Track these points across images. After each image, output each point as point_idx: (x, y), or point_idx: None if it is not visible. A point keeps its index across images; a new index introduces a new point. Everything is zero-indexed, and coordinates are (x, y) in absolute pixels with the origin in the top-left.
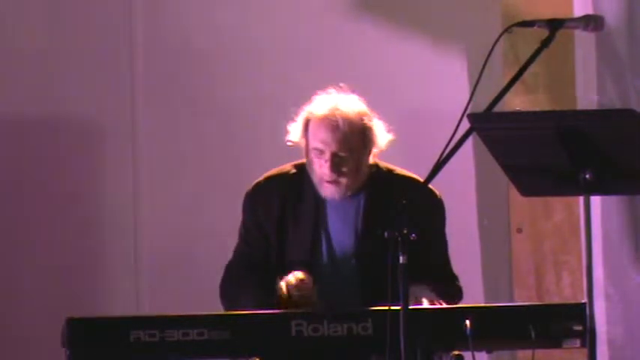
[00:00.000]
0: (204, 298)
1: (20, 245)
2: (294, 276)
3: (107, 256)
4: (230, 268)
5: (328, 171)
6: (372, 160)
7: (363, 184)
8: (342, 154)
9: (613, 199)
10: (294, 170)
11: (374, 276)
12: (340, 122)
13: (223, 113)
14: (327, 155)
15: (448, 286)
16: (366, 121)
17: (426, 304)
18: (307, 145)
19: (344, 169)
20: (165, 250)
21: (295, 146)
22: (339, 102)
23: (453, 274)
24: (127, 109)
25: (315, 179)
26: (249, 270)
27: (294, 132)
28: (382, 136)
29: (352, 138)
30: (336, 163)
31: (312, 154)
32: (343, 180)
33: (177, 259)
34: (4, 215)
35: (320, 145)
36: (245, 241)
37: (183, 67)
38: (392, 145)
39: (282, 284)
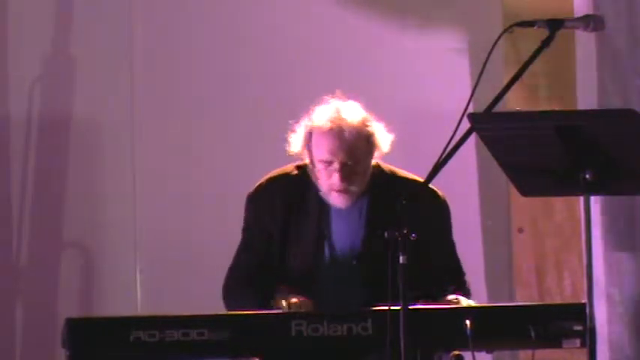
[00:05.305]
0: (204, 298)
1: (20, 245)
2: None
3: (107, 256)
4: (232, 273)
5: (338, 181)
6: (373, 161)
7: (367, 187)
8: (350, 162)
9: (613, 199)
10: (296, 171)
11: (375, 277)
12: (346, 132)
13: (223, 113)
14: (336, 165)
15: (461, 287)
16: (369, 126)
17: (465, 302)
18: (312, 156)
19: (353, 177)
20: (165, 250)
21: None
22: (341, 111)
23: (461, 272)
24: (127, 109)
25: (324, 189)
26: (250, 276)
27: (295, 143)
28: (385, 139)
29: (359, 146)
30: (345, 173)
31: (320, 166)
32: (353, 188)
33: (177, 259)
34: (3, 214)
35: (327, 157)
36: (247, 244)
37: (183, 67)
38: (392, 145)
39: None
